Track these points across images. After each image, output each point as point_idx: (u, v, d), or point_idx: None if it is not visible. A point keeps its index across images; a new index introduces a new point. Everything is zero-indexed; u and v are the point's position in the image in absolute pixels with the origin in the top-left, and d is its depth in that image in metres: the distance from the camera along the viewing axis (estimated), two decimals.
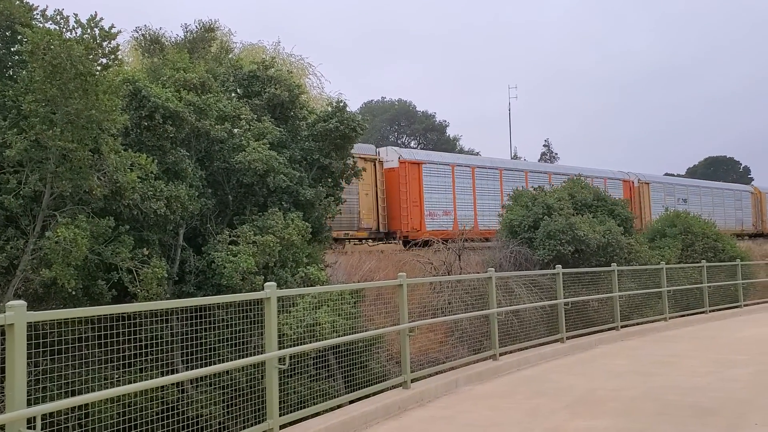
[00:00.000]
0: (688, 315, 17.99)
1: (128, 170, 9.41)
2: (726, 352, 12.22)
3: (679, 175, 67.43)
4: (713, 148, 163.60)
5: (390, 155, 24.10)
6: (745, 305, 20.68)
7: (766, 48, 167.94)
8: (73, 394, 7.03)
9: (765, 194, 42.73)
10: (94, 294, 9.19)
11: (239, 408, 7.75)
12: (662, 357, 11.84)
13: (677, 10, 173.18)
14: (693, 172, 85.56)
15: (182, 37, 17.94)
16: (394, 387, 8.73)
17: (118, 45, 9.39)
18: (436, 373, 9.77)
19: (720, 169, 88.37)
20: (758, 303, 21.73)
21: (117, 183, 9.25)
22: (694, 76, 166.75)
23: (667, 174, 48.78)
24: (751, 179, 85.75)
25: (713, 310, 18.94)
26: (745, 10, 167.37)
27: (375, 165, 23.48)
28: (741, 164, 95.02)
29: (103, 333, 7.18)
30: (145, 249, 9.84)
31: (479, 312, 11.75)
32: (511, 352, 11.61)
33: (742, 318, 18.50)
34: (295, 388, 9.24)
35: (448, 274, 16.42)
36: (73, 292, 8.62)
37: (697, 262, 19.82)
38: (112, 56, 9.22)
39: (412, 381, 8.94)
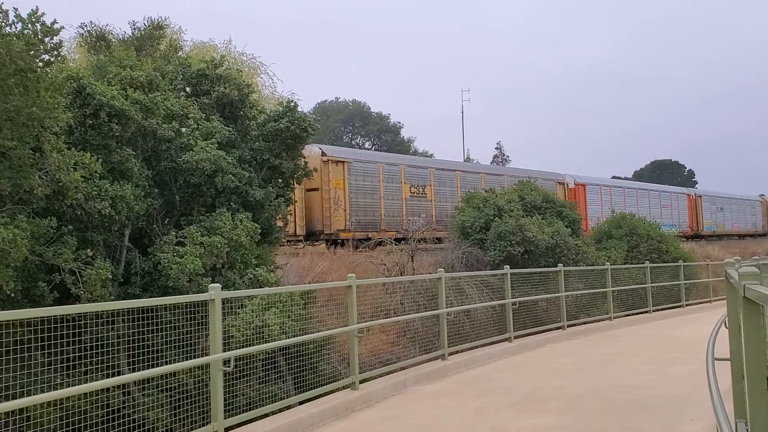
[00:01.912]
0: (632, 314, 18.46)
1: (71, 169, 9.17)
2: (667, 350, 12.59)
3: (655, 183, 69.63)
4: (659, 152, 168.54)
5: (569, 179, 33.95)
6: (687, 305, 21.32)
7: (710, 59, 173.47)
8: (11, 398, 6.83)
9: None
10: (34, 296, 8.94)
11: (186, 411, 7.66)
12: (606, 355, 12.14)
13: (631, 21, 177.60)
14: (640, 175, 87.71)
15: (130, 34, 17.57)
16: (344, 388, 8.75)
17: (61, 41, 9.12)
18: (386, 374, 9.83)
19: (665, 172, 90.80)
20: (699, 303, 22.41)
21: (59, 182, 9.01)
22: (643, 84, 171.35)
23: (614, 177, 51.44)
24: (695, 182, 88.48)
25: (656, 310, 19.48)
26: (696, 23, 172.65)
27: (564, 186, 32.91)
28: (686, 168, 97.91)
29: (44, 335, 7.00)
30: (89, 250, 9.61)
31: (428, 312, 11.85)
32: (460, 351, 11.75)
33: (684, 317, 19.07)
34: (243, 391, 9.15)
35: (401, 275, 16.49)
36: (12, 294, 8.36)
37: (642, 263, 20.36)
38: (55, 52, 8.96)
39: (362, 382, 8.97)
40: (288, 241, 21.00)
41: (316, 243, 22.37)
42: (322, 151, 23.13)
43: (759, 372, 3.23)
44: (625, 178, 68.78)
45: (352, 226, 22.81)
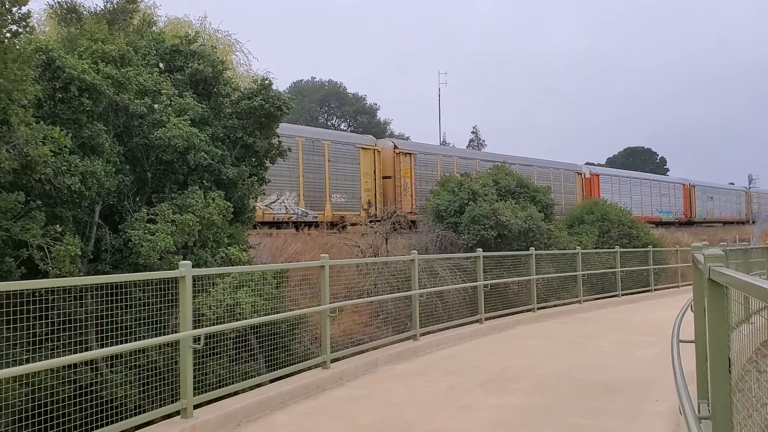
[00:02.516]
0: (601, 298, 18.70)
1: (40, 143, 9.00)
2: (634, 333, 12.79)
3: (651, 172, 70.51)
4: (631, 140, 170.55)
5: (585, 170, 38.38)
6: (656, 289, 21.66)
7: (682, 50, 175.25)
8: None
9: (751, 192, 59.63)
10: (1, 272, 8.80)
11: (156, 388, 7.61)
12: (575, 337, 12.30)
13: (606, 10, 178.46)
14: (613, 162, 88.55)
15: (102, 7, 17.20)
16: (315, 367, 8.77)
17: (30, 12, 8.92)
18: (358, 353, 9.86)
19: (638, 159, 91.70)
20: (667, 288, 22.79)
21: (27, 156, 8.84)
22: (616, 72, 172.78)
23: (588, 163, 52.24)
24: (667, 170, 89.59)
25: (625, 294, 19.77)
26: (670, 15, 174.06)
27: (581, 176, 37.31)
28: (658, 155, 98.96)
29: (10, 309, 6.89)
30: (58, 226, 9.46)
31: (401, 293, 11.90)
32: (432, 332, 11.83)
33: (652, 301, 19.38)
34: (213, 369, 9.12)
35: (375, 257, 16.51)
36: None
37: (612, 248, 20.62)
38: (23, 23, 8.77)
39: (333, 361, 9.00)
40: (370, 221, 23.45)
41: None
42: (395, 144, 26.82)
43: (722, 353, 3.29)
44: (598, 165, 69.46)
45: (417, 209, 25.10)
